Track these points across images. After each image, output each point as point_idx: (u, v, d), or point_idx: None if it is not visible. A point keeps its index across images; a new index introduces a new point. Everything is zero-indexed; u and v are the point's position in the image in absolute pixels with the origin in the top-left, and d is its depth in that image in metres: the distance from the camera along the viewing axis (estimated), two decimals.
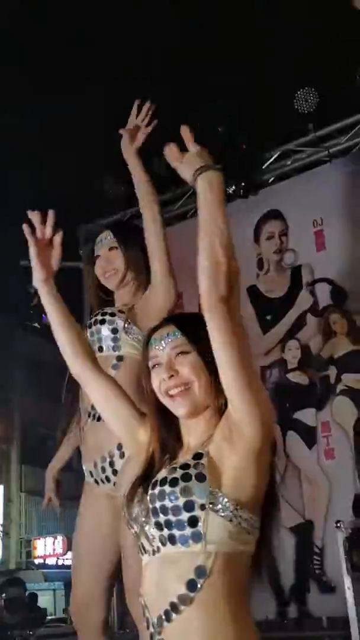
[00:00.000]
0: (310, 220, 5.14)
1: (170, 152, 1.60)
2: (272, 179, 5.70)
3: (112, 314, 2.57)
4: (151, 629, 1.46)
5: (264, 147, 5.63)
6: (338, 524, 3.40)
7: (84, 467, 2.53)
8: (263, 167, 5.66)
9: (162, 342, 1.60)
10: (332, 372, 4.98)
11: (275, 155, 5.62)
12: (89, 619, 2.35)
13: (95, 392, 1.76)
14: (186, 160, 1.55)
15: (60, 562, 16.42)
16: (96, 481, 2.47)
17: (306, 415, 5.12)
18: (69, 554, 5.65)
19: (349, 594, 3.28)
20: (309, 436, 4.95)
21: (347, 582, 3.29)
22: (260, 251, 5.68)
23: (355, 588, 3.26)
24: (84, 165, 5.66)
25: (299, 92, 5.36)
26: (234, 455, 1.46)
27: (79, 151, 5.40)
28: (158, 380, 1.60)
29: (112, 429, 1.78)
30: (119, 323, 2.53)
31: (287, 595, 4.98)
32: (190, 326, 1.60)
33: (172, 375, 1.57)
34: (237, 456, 1.46)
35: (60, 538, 15.70)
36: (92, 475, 2.48)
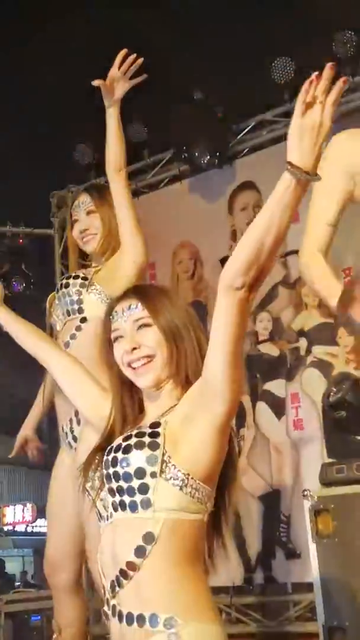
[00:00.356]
0: None
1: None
2: (246, 149, 5.68)
3: (76, 277, 2.56)
4: (106, 595, 1.49)
5: (239, 117, 5.60)
6: (305, 493, 3.45)
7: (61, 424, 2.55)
8: (238, 137, 5.63)
9: (124, 314, 1.61)
10: (303, 344, 5.02)
11: (251, 126, 5.59)
12: (61, 579, 2.39)
13: (54, 371, 1.80)
14: (301, 128, 1.35)
15: (29, 529, 16.52)
16: (69, 444, 2.49)
17: (276, 387, 5.18)
18: (39, 521, 5.68)
19: (314, 561, 3.35)
20: (278, 407, 5.01)
21: (312, 549, 3.36)
22: (233, 222, 5.67)
23: (320, 555, 3.33)
24: (56, 133, 5.58)
25: (275, 62, 5.32)
26: (194, 429, 1.48)
27: (51, 119, 5.32)
28: (120, 353, 1.61)
29: (76, 405, 1.82)
30: (83, 284, 2.52)
31: (254, 562, 5.08)
32: (152, 299, 1.61)
33: (134, 348, 1.58)
34: (197, 430, 1.47)
35: (29, 505, 15.75)
36: (63, 439, 2.51)
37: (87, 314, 2.47)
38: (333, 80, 1.34)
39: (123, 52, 2.51)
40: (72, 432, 2.43)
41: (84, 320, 2.48)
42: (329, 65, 1.34)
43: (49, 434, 2.91)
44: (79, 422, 2.40)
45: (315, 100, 1.34)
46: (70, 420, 2.45)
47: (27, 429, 2.81)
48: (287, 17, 4.84)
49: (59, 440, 2.57)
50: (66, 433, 2.48)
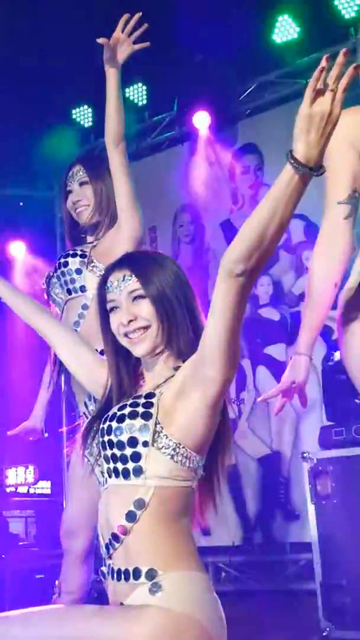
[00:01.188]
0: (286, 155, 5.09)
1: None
2: (248, 111, 5.61)
3: (74, 254, 2.54)
4: (103, 555, 1.57)
5: (240, 79, 5.52)
6: (304, 455, 3.49)
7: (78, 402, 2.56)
8: (239, 99, 5.56)
9: (119, 286, 1.63)
10: (303, 308, 5.02)
11: (252, 87, 5.52)
12: (73, 545, 2.42)
13: (54, 341, 1.83)
14: (310, 117, 1.31)
15: (32, 491, 16.75)
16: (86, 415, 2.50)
17: (276, 351, 5.21)
18: (40, 483, 5.76)
19: (312, 521, 3.40)
20: (278, 371, 5.03)
21: (311, 510, 3.41)
22: (235, 185, 5.63)
23: (318, 516, 3.38)
24: (55, 95, 5.49)
25: (278, 22, 5.23)
26: (187, 402, 1.51)
27: (49, 79, 5.24)
28: (117, 323, 1.63)
29: (75, 374, 1.84)
30: (82, 262, 2.51)
31: (253, 522, 5.16)
32: (144, 270, 1.63)
33: (131, 320, 1.61)
34: (190, 404, 1.51)
35: (32, 467, 15.95)
36: (83, 410, 2.51)
37: (90, 292, 2.46)
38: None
39: (126, 15, 2.45)
40: (87, 408, 2.43)
41: (88, 298, 2.47)
42: (343, 51, 1.30)
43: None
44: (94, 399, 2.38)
45: (326, 88, 1.31)
46: (85, 404, 2.44)
47: (37, 420, 2.80)
48: None
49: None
50: (83, 413, 2.48)
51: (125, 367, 1.69)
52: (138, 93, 5.89)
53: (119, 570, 1.50)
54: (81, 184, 2.59)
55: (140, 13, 2.44)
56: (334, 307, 1.91)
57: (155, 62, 4.66)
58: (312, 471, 3.42)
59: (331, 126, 1.33)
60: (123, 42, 2.45)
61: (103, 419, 1.59)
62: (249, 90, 5.53)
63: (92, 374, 1.76)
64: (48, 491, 5.73)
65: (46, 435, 2.82)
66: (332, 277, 1.86)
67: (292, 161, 1.33)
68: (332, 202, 1.89)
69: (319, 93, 1.31)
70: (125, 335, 1.62)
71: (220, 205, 5.67)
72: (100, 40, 2.38)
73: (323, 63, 1.30)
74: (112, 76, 2.46)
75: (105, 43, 2.40)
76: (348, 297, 1.80)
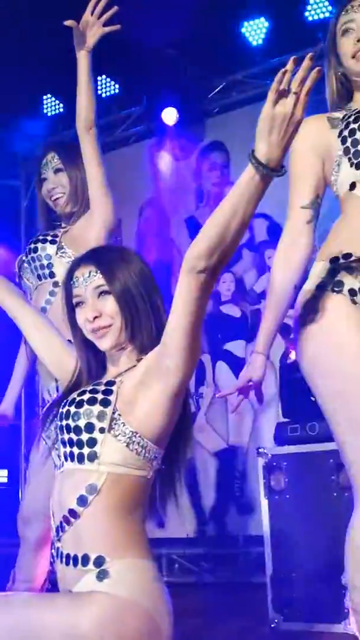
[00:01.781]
0: None
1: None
2: (216, 109, 5.62)
3: (44, 240, 2.52)
4: (53, 537, 1.58)
5: (209, 77, 5.52)
6: (259, 451, 3.52)
7: (43, 387, 2.53)
8: (209, 96, 5.56)
9: (85, 282, 1.64)
10: (264, 306, 5.05)
11: (221, 86, 5.53)
12: (30, 532, 2.41)
13: (25, 327, 1.83)
14: (273, 118, 1.32)
15: None
16: None
17: (236, 347, 5.24)
18: None
19: (265, 516, 3.43)
20: (237, 367, 5.06)
21: (264, 504, 3.44)
22: (200, 182, 5.64)
23: (271, 510, 3.42)
24: (24, 83, 5.41)
25: (248, 23, 5.25)
26: (149, 392, 1.53)
27: (17, 68, 5.16)
28: (83, 319, 1.65)
29: (43, 360, 1.84)
30: (53, 248, 2.49)
31: (208, 515, 5.19)
32: (109, 267, 1.64)
33: (96, 317, 1.63)
34: (152, 395, 1.53)
35: None
36: (47, 397, 2.49)
37: (59, 278, 2.44)
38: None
39: None
40: (50, 395, 2.42)
41: (56, 284, 2.45)
42: (309, 55, 1.31)
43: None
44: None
45: (289, 90, 1.32)
46: (49, 391, 2.42)
47: (8, 406, 2.76)
48: None
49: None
50: (48, 401, 2.46)
51: (94, 356, 1.71)
52: (107, 86, 5.87)
53: (67, 555, 1.52)
54: (56, 171, 2.57)
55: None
56: (293, 306, 1.93)
57: (126, 56, 4.64)
58: (266, 466, 3.45)
59: (293, 128, 1.34)
60: (93, 25, 2.39)
61: (62, 404, 1.60)
62: (217, 89, 5.54)
63: (60, 360, 1.77)
64: (5, 480, 5.68)
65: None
66: (292, 278, 1.88)
67: (254, 161, 1.34)
68: (295, 206, 1.91)
69: (281, 95, 1.32)
70: (92, 330, 1.64)
71: (186, 201, 5.67)
72: (67, 23, 2.33)
73: (289, 65, 1.31)
74: (82, 59, 2.41)
75: (74, 25, 2.35)
76: (306, 299, 1.82)
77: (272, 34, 5.23)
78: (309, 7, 5.01)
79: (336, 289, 1.78)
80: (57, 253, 2.48)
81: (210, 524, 5.17)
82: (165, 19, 4.68)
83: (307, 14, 5.02)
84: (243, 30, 5.27)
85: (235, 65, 5.43)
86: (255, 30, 5.27)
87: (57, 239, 2.50)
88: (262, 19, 5.23)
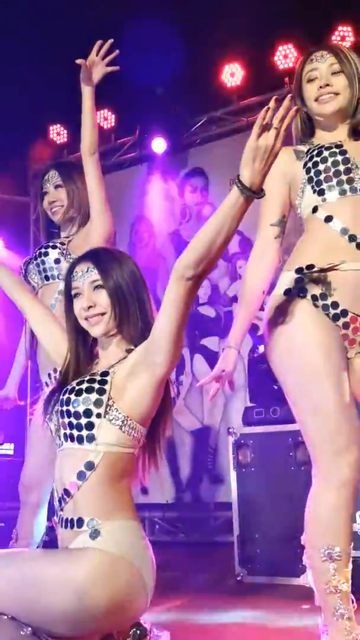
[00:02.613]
0: (227, 179, 5.13)
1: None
2: (198, 140, 5.63)
3: (54, 246, 2.51)
4: (56, 507, 1.57)
5: (193, 113, 5.54)
6: (230, 430, 3.53)
7: (42, 371, 2.50)
8: (191, 130, 5.57)
9: (83, 276, 1.63)
10: (235, 308, 5.07)
11: (203, 121, 5.54)
12: (29, 498, 2.38)
13: (31, 316, 1.81)
14: (256, 149, 1.35)
15: None
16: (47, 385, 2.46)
17: (211, 342, 5.25)
18: (5, 445, 5.65)
19: (233, 485, 3.44)
20: (212, 359, 5.08)
21: (233, 476, 3.45)
22: (184, 202, 5.64)
23: (238, 481, 3.42)
24: (34, 112, 5.37)
25: (226, 67, 5.27)
26: (137, 381, 1.53)
27: (30, 98, 5.11)
28: (79, 307, 1.64)
29: (46, 348, 1.82)
30: (61, 253, 2.48)
31: (184, 484, 5.19)
32: (105, 265, 1.64)
33: (90, 306, 1.61)
34: (139, 383, 1.53)
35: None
36: (47, 385, 2.46)
37: None
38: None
39: (100, 41, 2.41)
40: (52, 380, 2.39)
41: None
42: (289, 96, 1.35)
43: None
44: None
45: (271, 125, 1.34)
46: (49, 375, 2.40)
47: (10, 389, 2.73)
48: (233, 28, 4.70)
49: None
50: (45, 383, 2.44)
51: (83, 346, 1.69)
52: (105, 118, 5.88)
53: (66, 520, 1.51)
54: (56, 186, 2.55)
55: (112, 40, 2.41)
56: (261, 309, 1.94)
57: (122, 92, 4.62)
58: (235, 444, 3.46)
59: (272, 158, 1.37)
60: (97, 64, 2.40)
61: (63, 391, 1.58)
62: (199, 123, 5.55)
63: (59, 347, 1.75)
64: (11, 452, 5.63)
65: (22, 403, 2.75)
66: (261, 285, 1.89)
67: (239, 185, 1.36)
68: (265, 224, 1.92)
69: (264, 129, 1.34)
70: (85, 318, 1.63)
71: (171, 218, 5.67)
72: (78, 61, 2.35)
73: (271, 104, 1.33)
74: (88, 93, 2.42)
75: (83, 64, 2.36)
76: (277, 303, 1.83)
77: (247, 78, 5.28)
78: (278, 55, 5.08)
79: (301, 294, 1.79)
80: (65, 258, 2.47)
81: (186, 492, 5.18)
82: (157, 63, 4.67)
83: (277, 61, 5.08)
84: (222, 74, 5.32)
85: (215, 104, 5.47)
86: (232, 75, 5.31)
87: (64, 247, 2.50)
88: (237, 66, 5.29)
